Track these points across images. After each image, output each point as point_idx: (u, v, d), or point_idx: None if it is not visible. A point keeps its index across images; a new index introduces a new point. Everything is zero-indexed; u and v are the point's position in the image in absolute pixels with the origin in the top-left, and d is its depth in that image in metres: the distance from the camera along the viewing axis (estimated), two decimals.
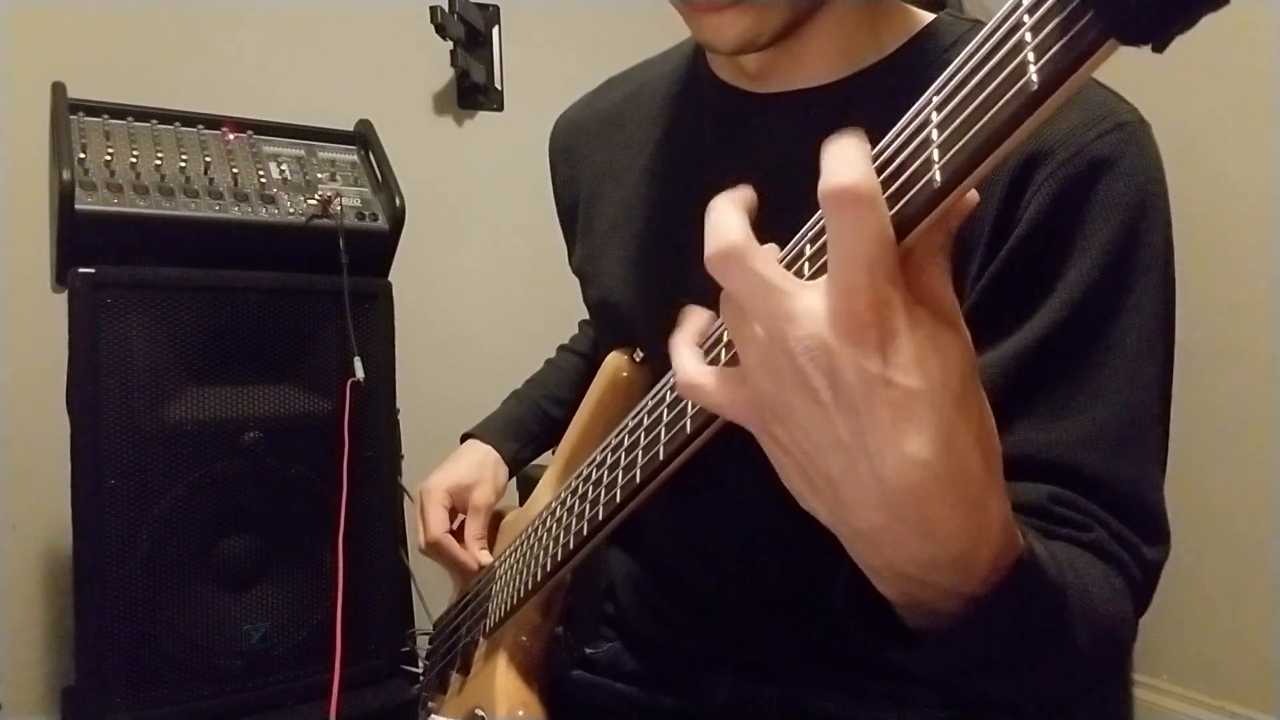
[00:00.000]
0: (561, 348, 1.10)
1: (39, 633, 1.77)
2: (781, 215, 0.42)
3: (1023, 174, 0.60)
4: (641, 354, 0.80)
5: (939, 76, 0.36)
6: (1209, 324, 1.75)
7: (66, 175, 1.33)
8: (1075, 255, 0.59)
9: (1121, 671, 1.90)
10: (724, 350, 0.44)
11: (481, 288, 2.26)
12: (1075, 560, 0.54)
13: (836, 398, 0.36)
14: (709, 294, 0.41)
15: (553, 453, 0.92)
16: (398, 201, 1.57)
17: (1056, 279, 0.59)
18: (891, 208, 0.36)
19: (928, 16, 0.70)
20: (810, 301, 0.36)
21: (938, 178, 0.34)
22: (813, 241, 0.40)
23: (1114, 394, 0.59)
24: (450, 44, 2.17)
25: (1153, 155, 0.62)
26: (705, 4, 0.61)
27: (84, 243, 1.35)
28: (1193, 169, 1.54)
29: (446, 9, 2.13)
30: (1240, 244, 1.75)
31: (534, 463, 1.04)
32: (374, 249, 1.56)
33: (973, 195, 0.37)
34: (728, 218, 0.38)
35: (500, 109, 2.28)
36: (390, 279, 1.59)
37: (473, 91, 2.23)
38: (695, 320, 0.46)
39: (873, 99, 0.67)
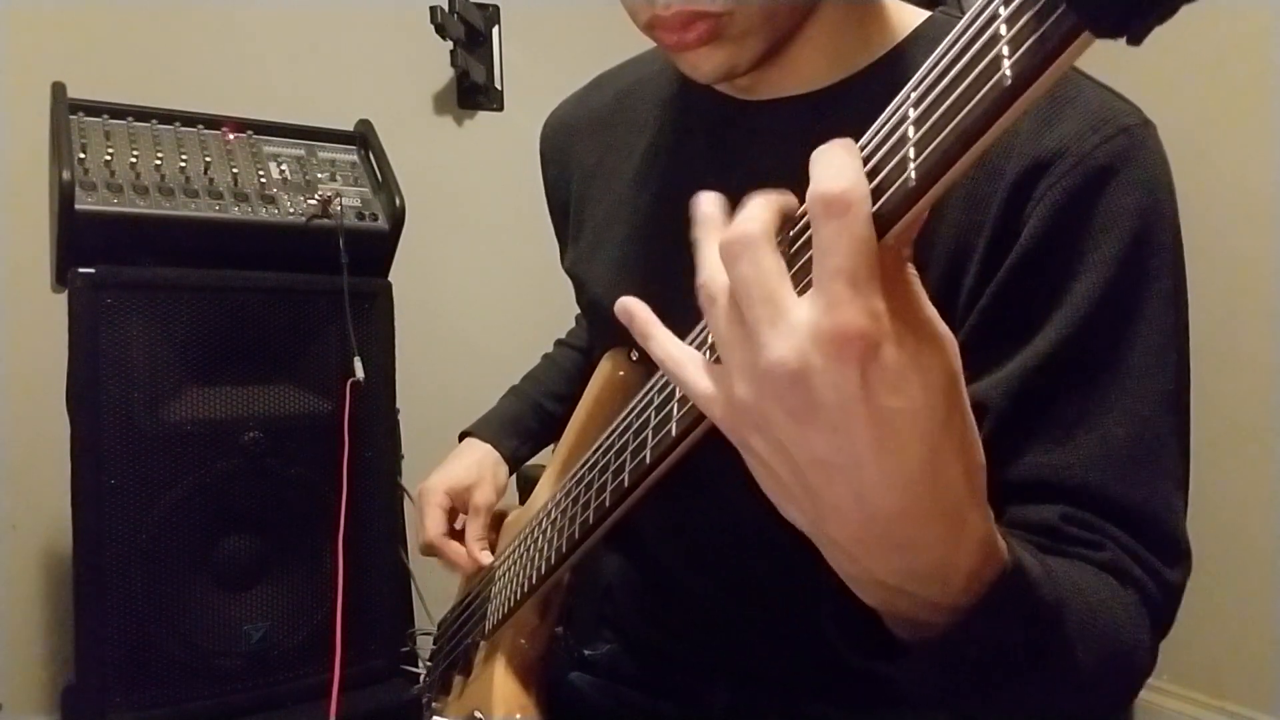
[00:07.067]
0: (559, 342, 1.09)
1: (39, 633, 1.77)
2: None
3: (1023, 184, 0.58)
4: (638, 354, 0.79)
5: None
6: (1210, 325, 1.74)
7: (66, 175, 1.33)
8: (1081, 269, 0.57)
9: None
10: (708, 351, 0.43)
11: (481, 288, 2.26)
12: (1081, 578, 0.52)
13: (815, 415, 0.35)
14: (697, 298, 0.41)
15: (553, 449, 0.91)
16: (398, 201, 1.57)
17: (1062, 294, 0.58)
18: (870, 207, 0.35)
19: (921, 15, 0.68)
20: (796, 314, 0.35)
21: (913, 177, 0.34)
22: (799, 254, 0.39)
23: (1124, 410, 0.57)
24: (450, 44, 2.17)
25: (1158, 158, 0.60)
26: (676, 43, 0.60)
27: (84, 243, 1.35)
28: (1193, 169, 1.54)
29: (446, 9, 2.13)
30: (1240, 244, 1.75)
31: (533, 462, 1.04)
32: (374, 249, 1.56)
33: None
34: (757, 209, 0.37)
35: (500, 109, 2.28)
36: (390, 279, 1.59)
37: (473, 91, 2.23)
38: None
39: (861, 103, 0.64)
